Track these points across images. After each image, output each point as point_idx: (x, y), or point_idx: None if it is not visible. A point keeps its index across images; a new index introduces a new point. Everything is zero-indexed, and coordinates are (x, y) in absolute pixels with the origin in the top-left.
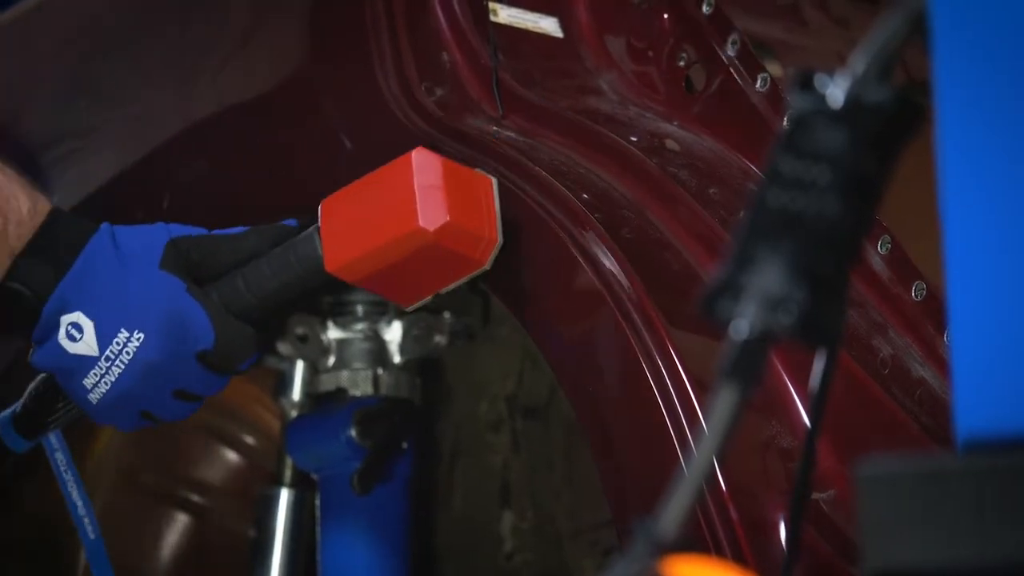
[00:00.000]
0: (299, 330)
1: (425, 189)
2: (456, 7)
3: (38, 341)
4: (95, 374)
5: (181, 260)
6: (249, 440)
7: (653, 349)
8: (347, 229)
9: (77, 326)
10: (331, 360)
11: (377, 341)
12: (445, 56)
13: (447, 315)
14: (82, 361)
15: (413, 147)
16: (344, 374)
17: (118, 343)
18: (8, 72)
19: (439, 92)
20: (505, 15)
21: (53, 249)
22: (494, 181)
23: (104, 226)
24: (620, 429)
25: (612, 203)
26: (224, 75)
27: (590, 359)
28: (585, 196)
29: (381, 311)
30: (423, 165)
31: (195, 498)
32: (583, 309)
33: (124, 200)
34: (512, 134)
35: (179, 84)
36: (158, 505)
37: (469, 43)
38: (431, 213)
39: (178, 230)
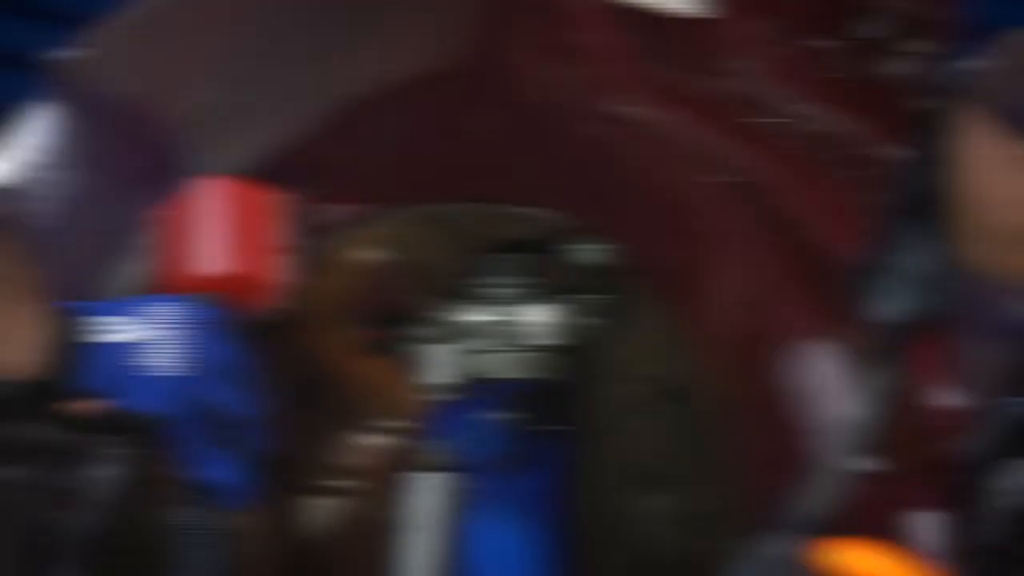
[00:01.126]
0: (443, 313)
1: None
2: None
3: None
4: None
5: None
6: (392, 424)
7: (797, 334)
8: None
9: None
10: (476, 343)
11: (522, 323)
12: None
13: (593, 296)
14: None
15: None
16: (489, 357)
17: None
18: (158, 54)
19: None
20: None
21: None
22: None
23: None
24: (767, 414)
25: (753, 187)
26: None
27: (736, 341)
28: (729, 179)
29: (526, 293)
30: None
31: (336, 483)
32: (722, 289)
33: (286, 173)
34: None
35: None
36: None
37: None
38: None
39: None
